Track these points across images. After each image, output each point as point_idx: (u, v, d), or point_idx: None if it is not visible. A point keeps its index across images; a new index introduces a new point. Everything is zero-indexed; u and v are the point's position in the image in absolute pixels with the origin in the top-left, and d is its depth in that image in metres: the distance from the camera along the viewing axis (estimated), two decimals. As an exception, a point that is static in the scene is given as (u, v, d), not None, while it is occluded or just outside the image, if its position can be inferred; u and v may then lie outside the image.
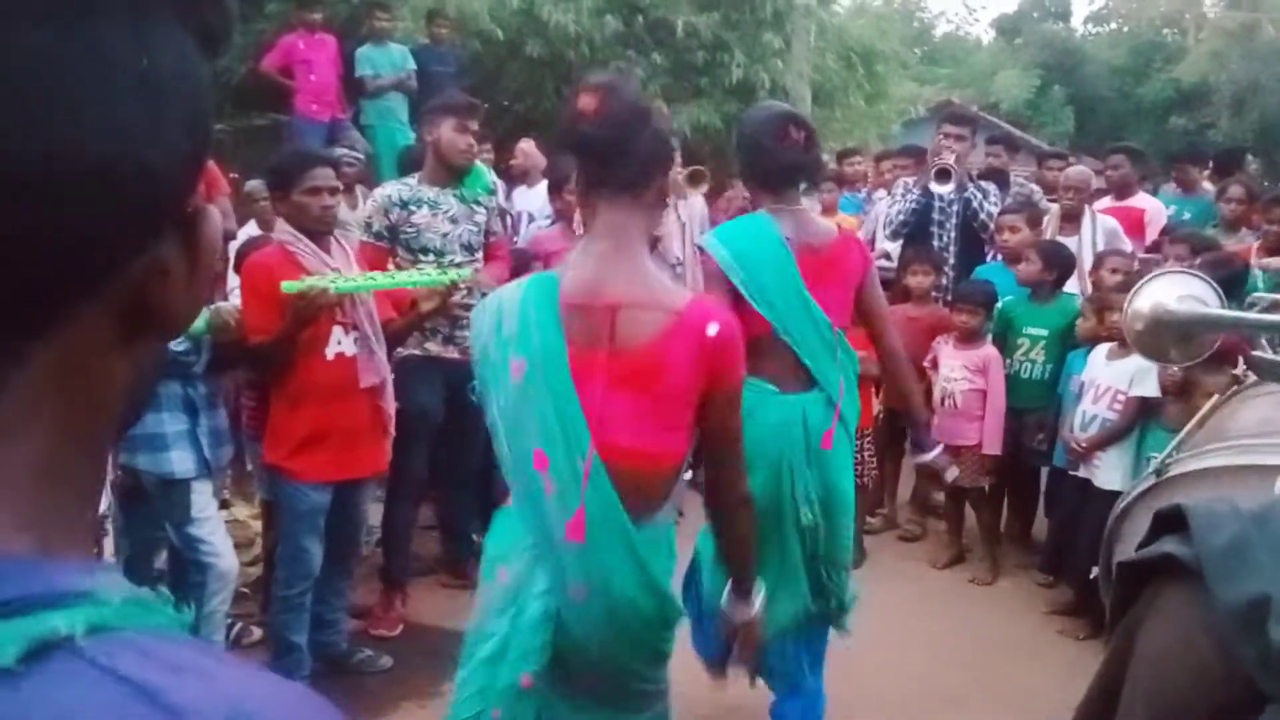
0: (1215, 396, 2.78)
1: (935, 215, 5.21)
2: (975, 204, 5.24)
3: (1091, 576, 2.86)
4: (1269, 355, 2.43)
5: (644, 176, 1.81)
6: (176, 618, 0.45)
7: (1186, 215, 6.09)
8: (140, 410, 0.54)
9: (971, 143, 5.41)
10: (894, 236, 5.43)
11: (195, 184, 0.47)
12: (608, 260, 1.81)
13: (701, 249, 2.67)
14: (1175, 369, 2.91)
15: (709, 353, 1.77)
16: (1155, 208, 5.94)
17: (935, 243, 5.19)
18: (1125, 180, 5.98)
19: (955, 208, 5.24)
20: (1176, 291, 2.40)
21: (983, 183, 5.49)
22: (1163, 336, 2.42)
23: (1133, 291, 2.47)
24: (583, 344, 1.77)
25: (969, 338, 4.47)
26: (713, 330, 1.78)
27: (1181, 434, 2.79)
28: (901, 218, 5.24)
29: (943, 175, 5.14)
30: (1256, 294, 2.99)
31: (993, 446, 4.38)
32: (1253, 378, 2.72)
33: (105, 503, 3.12)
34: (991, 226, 5.24)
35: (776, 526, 2.56)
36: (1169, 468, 2.65)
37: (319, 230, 3.14)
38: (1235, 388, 2.72)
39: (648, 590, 1.82)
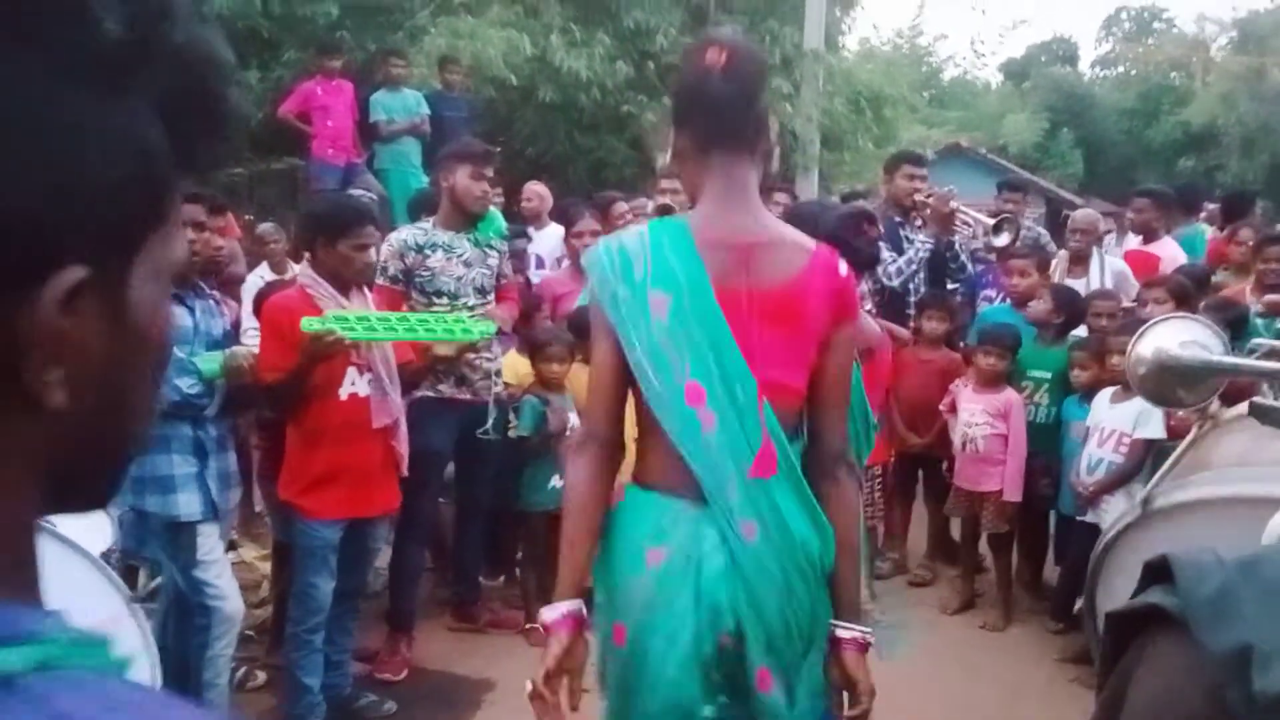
0: (1193, 430, 2.79)
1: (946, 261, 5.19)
2: (957, 245, 5.21)
3: (1075, 610, 2.85)
4: (1273, 402, 2.44)
5: (761, 131, 1.86)
6: (119, 660, 0.46)
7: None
8: (89, 481, 0.52)
9: (927, 180, 5.40)
10: (902, 287, 5.35)
11: (106, 230, 0.45)
12: (737, 206, 1.82)
13: None
14: (1181, 413, 2.92)
15: (840, 291, 1.81)
16: (1171, 254, 5.89)
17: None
18: (1149, 224, 5.90)
19: (928, 248, 5.17)
20: (1180, 337, 2.41)
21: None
22: (1166, 382, 2.43)
23: (1135, 336, 2.48)
24: (724, 281, 1.75)
25: (991, 381, 4.41)
26: (844, 269, 1.83)
27: (1164, 468, 2.80)
28: (914, 267, 5.09)
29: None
30: (1257, 340, 3.00)
31: (1013, 493, 4.34)
32: (1228, 413, 2.73)
33: (111, 539, 3.14)
34: (969, 266, 5.26)
35: None
36: (1154, 499, 2.66)
37: (352, 283, 3.20)
38: (1210, 421, 2.73)
39: (818, 528, 1.77)
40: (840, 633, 1.84)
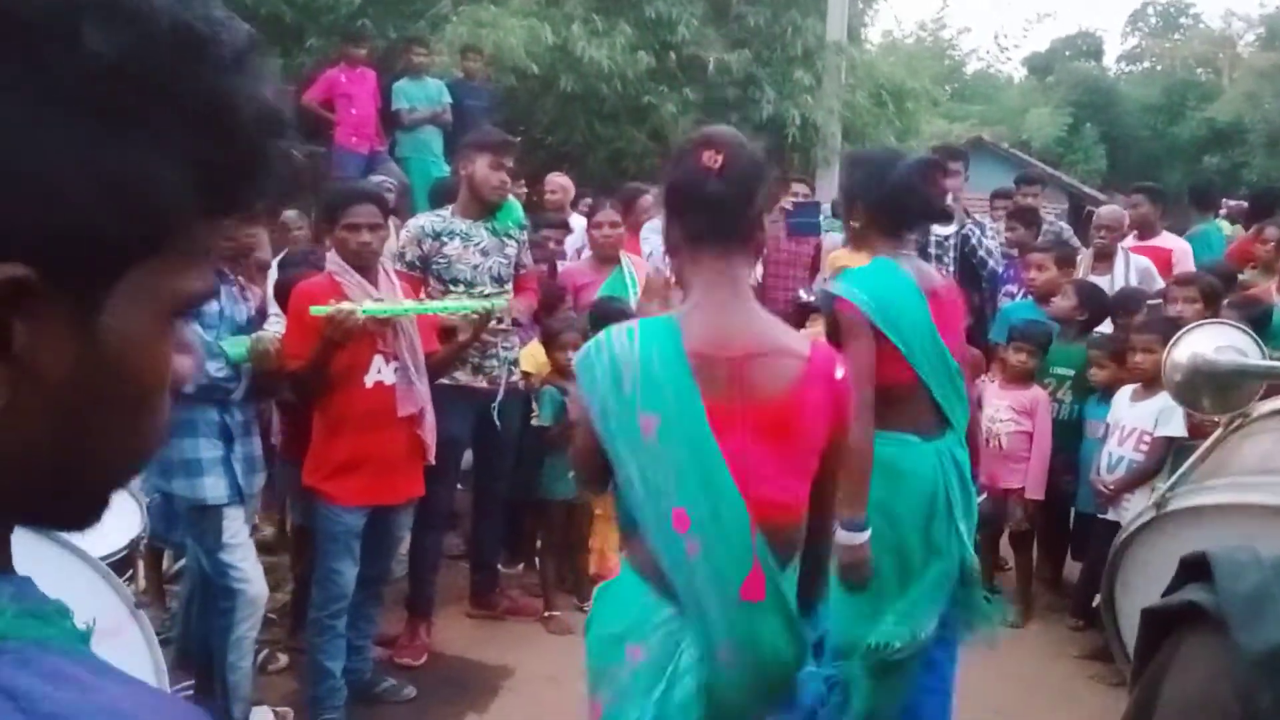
0: (1219, 430, 2.77)
1: (933, 251, 5.18)
2: (974, 240, 5.22)
3: (1094, 605, 2.85)
4: None
5: (756, 228, 1.83)
6: (75, 632, 0.46)
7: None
8: (63, 500, 0.52)
9: (964, 177, 5.37)
10: None
11: (67, 250, 0.45)
12: (730, 309, 1.79)
13: (838, 296, 2.55)
14: (1217, 418, 2.91)
15: (838, 397, 1.79)
16: (1182, 249, 5.89)
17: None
18: (1146, 220, 5.92)
19: (952, 242, 5.21)
20: (1215, 342, 2.40)
21: (978, 217, 5.47)
22: (1202, 387, 2.42)
23: (1171, 342, 2.47)
24: (716, 397, 1.71)
25: (1020, 378, 4.38)
26: (840, 373, 1.80)
27: (1184, 467, 2.79)
28: None
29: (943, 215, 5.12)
30: None
31: (1036, 491, 4.31)
32: (1257, 410, 2.72)
33: (140, 526, 3.18)
34: (990, 262, 5.23)
35: (922, 562, 2.56)
36: (1168, 501, 2.65)
37: (357, 265, 3.21)
38: (1239, 421, 2.71)
39: (794, 639, 1.79)
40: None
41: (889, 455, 2.49)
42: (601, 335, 1.83)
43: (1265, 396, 2.66)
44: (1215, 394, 2.45)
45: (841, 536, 2.41)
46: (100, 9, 0.44)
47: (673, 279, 1.96)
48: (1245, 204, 7.47)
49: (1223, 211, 7.27)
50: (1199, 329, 2.51)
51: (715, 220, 1.79)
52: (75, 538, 2.93)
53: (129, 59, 0.45)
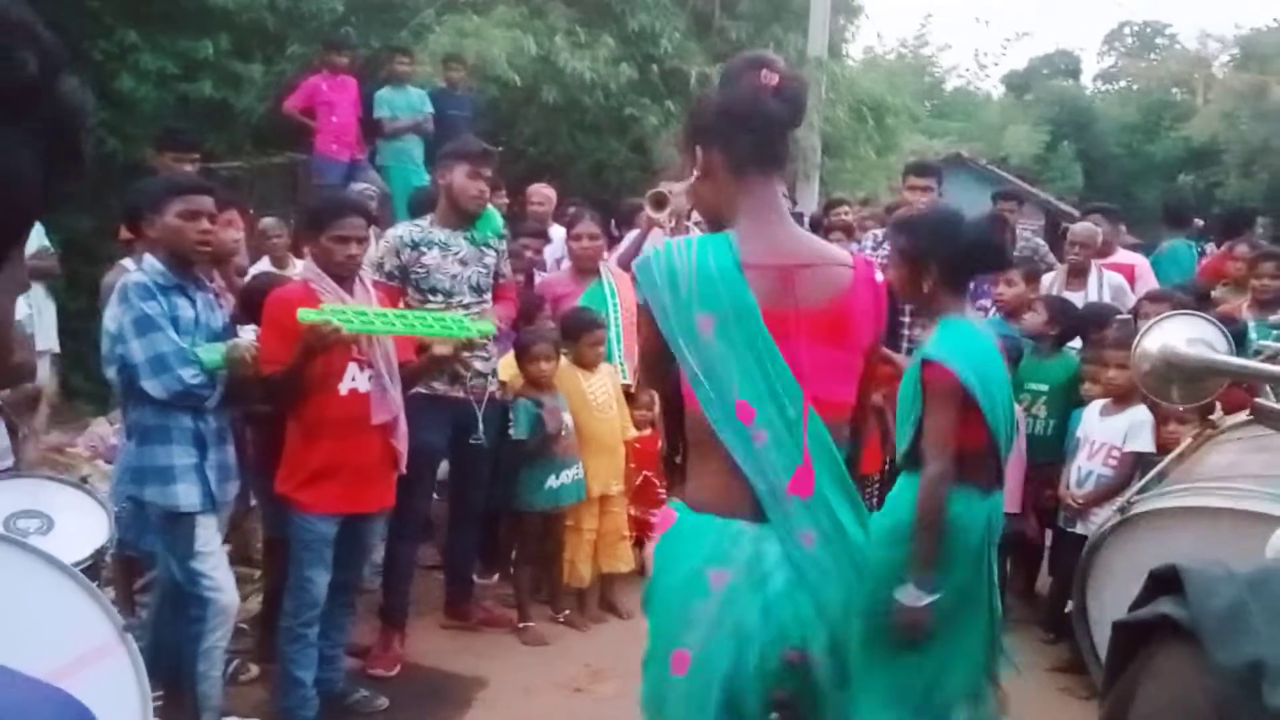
0: (1188, 439, 2.81)
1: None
2: None
3: (1066, 610, 2.88)
4: (1274, 404, 2.45)
5: (789, 153, 1.90)
6: None
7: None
8: None
9: (938, 193, 5.40)
10: None
11: None
12: (779, 227, 1.86)
13: (932, 361, 2.55)
14: (1180, 409, 2.94)
15: (880, 300, 1.88)
16: (1143, 266, 5.99)
17: None
18: (1104, 239, 6.00)
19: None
20: (1186, 334, 2.43)
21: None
22: (1169, 378, 2.45)
23: (1143, 331, 2.50)
24: (772, 304, 1.78)
25: None
26: (880, 276, 1.89)
27: (1151, 473, 2.82)
28: None
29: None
30: (1262, 343, 3.02)
31: (1011, 504, 4.33)
32: (1226, 421, 2.75)
33: (107, 534, 3.13)
34: None
35: (972, 613, 2.58)
36: (1132, 507, 2.68)
37: (339, 276, 3.21)
38: (1210, 431, 2.75)
39: (863, 526, 1.84)
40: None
41: (958, 507, 2.52)
42: (660, 246, 1.89)
43: (1231, 406, 2.69)
44: (1182, 386, 2.49)
45: (906, 594, 2.42)
46: (24, 33, 0.50)
47: (691, 207, 1.98)
48: (1201, 222, 7.57)
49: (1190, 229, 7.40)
50: (1170, 320, 2.54)
51: (767, 141, 1.84)
52: (69, 528, 2.91)
53: (43, 72, 0.51)
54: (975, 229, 2.61)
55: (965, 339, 2.58)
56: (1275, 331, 3.07)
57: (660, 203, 5.03)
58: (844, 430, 1.86)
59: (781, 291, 1.79)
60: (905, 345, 5.00)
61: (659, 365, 1.88)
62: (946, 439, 2.48)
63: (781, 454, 1.74)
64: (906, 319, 5.02)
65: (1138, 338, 2.54)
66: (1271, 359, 2.67)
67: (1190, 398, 2.64)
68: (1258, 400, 2.51)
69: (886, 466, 4.78)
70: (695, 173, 1.90)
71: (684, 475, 1.90)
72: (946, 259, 2.58)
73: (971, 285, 5.50)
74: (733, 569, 1.75)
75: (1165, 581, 0.86)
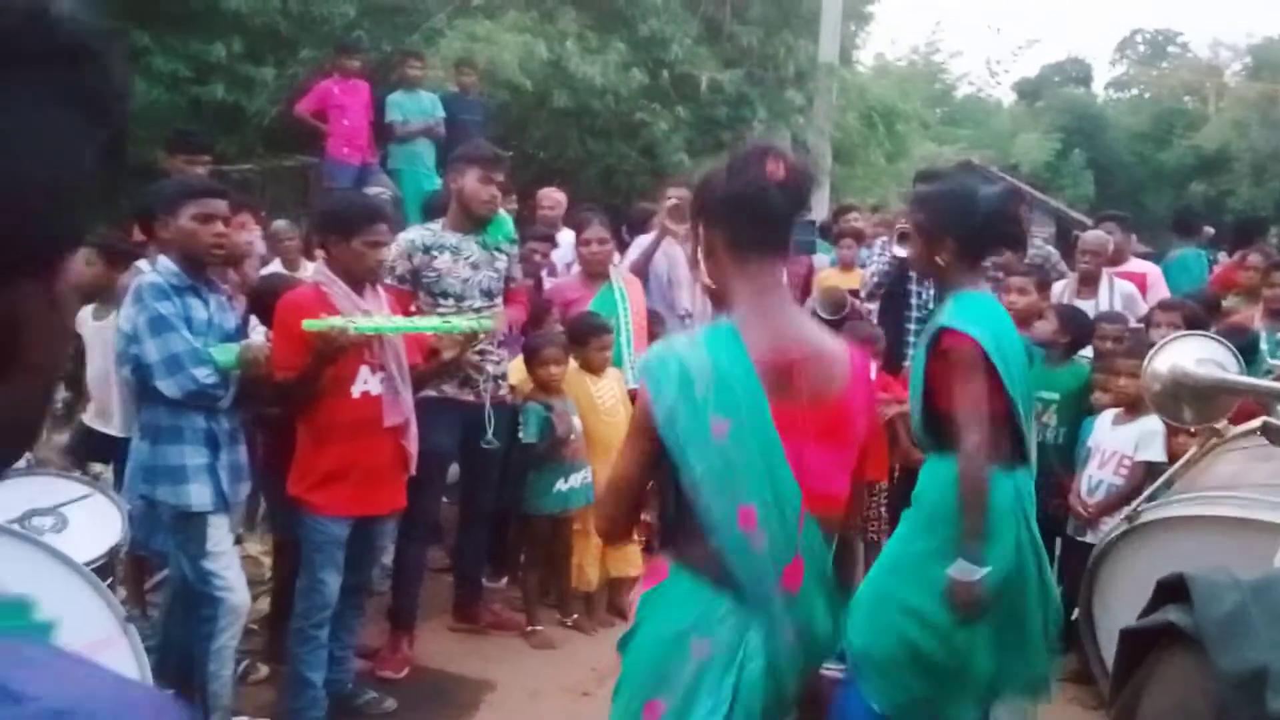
0: (1193, 450, 2.82)
1: (912, 273, 5.21)
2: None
3: (1072, 618, 2.87)
4: None
5: (791, 240, 1.93)
6: (36, 623, 0.48)
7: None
8: (15, 449, 0.56)
9: None
10: (869, 297, 5.43)
11: (62, 240, 0.51)
12: (781, 314, 1.89)
13: (952, 329, 2.53)
14: (1191, 430, 2.94)
15: (872, 396, 1.93)
16: (1155, 274, 5.97)
17: (914, 300, 5.16)
18: (1116, 247, 5.98)
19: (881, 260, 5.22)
20: (1196, 354, 2.44)
21: None
22: (1180, 398, 2.46)
23: (1152, 352, 2.50)
24: (780, 400, 1.79)
25: None
26: (873, 371, 1.91)
27: (1157, 483, 2.82)
28: (875, 279, 5.24)
29: (904, 238, 5.13)
30: (1274, 361, 3.02)
31: None
32: (1231, 430, 2.75)
33: (121, 533, 3.16)
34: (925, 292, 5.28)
35: (1020, 601, 2.56)
36: (1140, 515, 2.69)
37: (364, 280, 3.22)
38: (1214, 440, 2.75)
39: (836, 623, 1.95)
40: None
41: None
42: (663, 344, 1.92)
43: (1240, 416, 2.69)
44: (1193, 405, 2.50)
45: (959, 569, 2.44)
46: (109, 42, 0.52)
47: (706, 283, 1.97)
48: (1212, 231, 7.54)
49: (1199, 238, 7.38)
50: (1180, 340, 2.55)
51: (771, 229, 1.88)
52: (82, 527, 2.94)
53: (125, 83, 0.52)
54: (991, 203, 2.59)
55: (982, 308, 2.58)
56: None
57: (679, 214, 5.04)
58: (836, 520, 1.91)
59: (787, 386, 1.81)
60: (914, 314, 5.03)
61: (641, 487, 1.91)
62: (979, 405, 2.45)
63: (776, 553, 1.80)
64: (914, 286, 5.05)
65: (1147, 359, 2.54)
66: None
67: (1203, 417, 2.64)
68: (1268, 420, 2.50)
69: (895, 474, 4.80)
70: (699, 249, 1.94)
71: (674, 531, 1.92)
72: (962, 233, 2.57)
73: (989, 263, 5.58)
74: (713, 643, 1.81)
75: (1172, 590, 0.87)
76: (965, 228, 2.56)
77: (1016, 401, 2.53)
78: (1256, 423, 2.59)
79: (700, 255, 1.94)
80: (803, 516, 1.81)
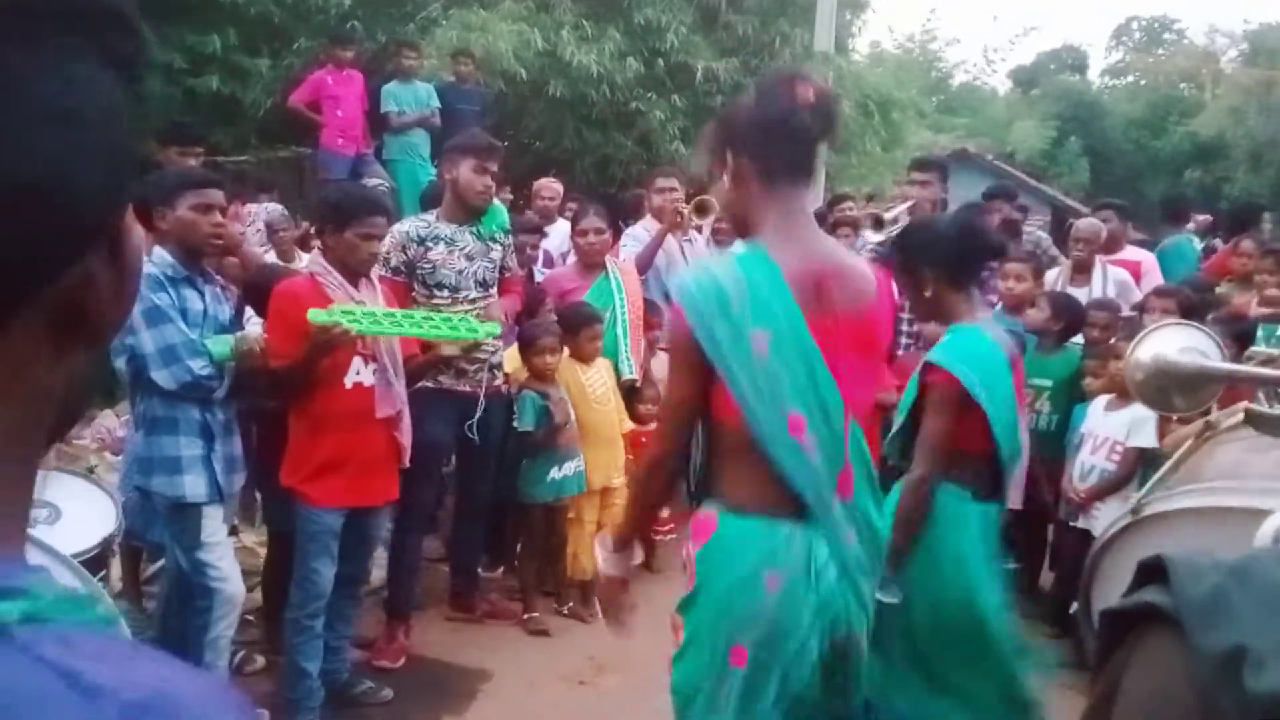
0: (1191, 440, 2.83)
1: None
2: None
3: (1071, 611, 2.88)
4: (1268, 409, 2.46)
5: (817, 164, 1.98)
6: (105, 615, 0.49)
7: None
8: (75, 416, 0.56)
9: (942, 188, 5.35)
10: None
11: (120, 204, 0.51)
12: (808, 235, 1.94)
13: (935, 365, 2.54)
14: (1175, 418, 2.96)
15: (894, 306, 2.00)
16: (1150, 262, 5.97)
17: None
18: (1113, 235, 5.99)
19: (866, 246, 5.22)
20: (1179, 343, 2.45)
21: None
22: (1163, 387, 2.47)
23: (1135, 341, 2.51)
24: (813, 312, 1.85)
25: None
26: (895, 286, 1.99)
27: (1158, 474, 2.83)
28: None
29: (877, 224, 5.13)
30: (1254, 348, 3.03)
31: (1013, 500, 4.34)
32: (1226, 421, 2.76)
33: (115, 523, 3.16)
34: None
35: (980, 632, 2.52)
36: (1144, 507, 2.70)
37: (359, 272, 3.23)
38: (1209, 431, 2.76)
39: (885, 517, 2.02)
40: None
41: (949, 507, 2.54)
42: (697, 268, 1.95)
43: (1226, 401, 2.70)
44: (1180, 394, 2.51)
45: (888, 595, 2.43)
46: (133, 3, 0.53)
47: (724, 211, 2.02)
48: (1210, 218, 7.52)
49: (1190, 226, 7.36)
50: (1163, 330, 2.56)
51: (800, 152, 1.91)
52: (78, 516, 2.95)
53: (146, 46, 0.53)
54: (954, 225, 2.65)
55: (974, 345, 2.57)
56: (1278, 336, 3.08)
57: (704, 209, 5.06)
58: (871, 430, 1.98)
59: (819, 299, 1.86)
60: (904, 342, 5.01)
61: (691, 417, 1.92)
62: (938, 443, 2.49)
63: (828, 461, 1.84)
64: (905, 315, 5.04)
65: (1129, 349, 2.56)
66: (1265, 363, 2.69)
67: (1191, 405, 2.65)
68: (1250, 406, 2.52)
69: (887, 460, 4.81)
70: (725, 178, 1.96)
71: (714, 480, 1.94)
72: (936, 262, 2.59)
73: (986, 275, 5.58)
74: (786, 570, 1.84)
75: (1153, 571, 0.88)
76: (936, 256, 2.59)
77: (1001, 439, 2.53)
78: (1240, 408, 2.60)
79: (725, 186, 1.97)
80: (848, 423, 1.87)
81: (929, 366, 2.55)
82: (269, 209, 6.09)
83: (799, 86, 1.86)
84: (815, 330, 1.84)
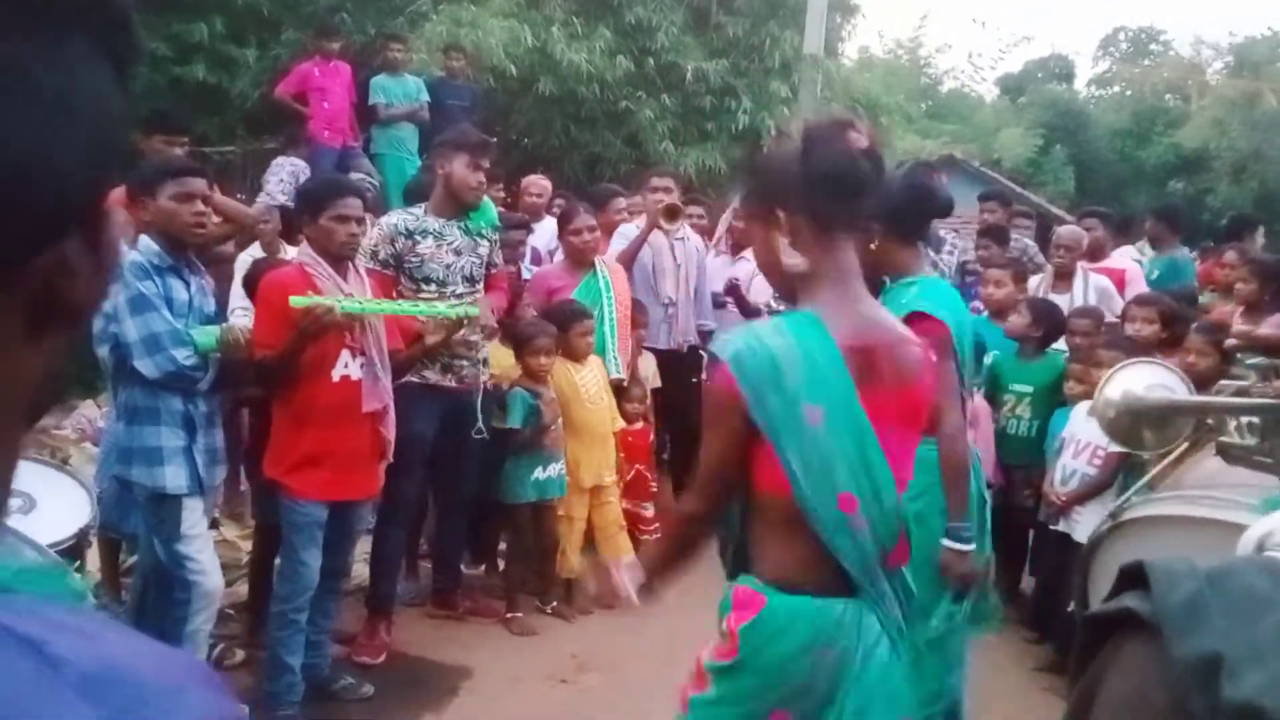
0: (1183, 446, 2.87)
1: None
2: (932, 257, 5.28)
3: (1070, 610, 2.92)
4: (1237, 440, 2.50)
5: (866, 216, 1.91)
6: (72, 588, 0.49)
7: (1155, 274, 6.17)
8: (50, 401, 0.57)
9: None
10: None
11: (103, 190, 0.51)
12: (861, 300, 1.86)
13: (926, 314, 2.54)
14: (1149, 454, 3.01)
15: (936, 379, 1.97)
16: (1134, 270, 6.01)
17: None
18: (1098, 243, 6.03)
19: None
20: (1145, 380, 2.52)
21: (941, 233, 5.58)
22: (1135, 423, 2.53)
23: (1103, 381, 2.58)
24: (866, 387, 1.78)
25: None
26: (933, 356, 1.95)
27: (1141, 481, 2.88)
28: None
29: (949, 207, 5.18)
30: (1223, 381, 3.06)
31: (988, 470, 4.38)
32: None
33: (90, 514, 3.14)
34: (949, 273, 5.33)
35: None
36: (1123, 512, 2.74)
37: (340, 256, 3.22)
38: (1196, 438, 2.81)
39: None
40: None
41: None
42: (747, 332, 1.84)
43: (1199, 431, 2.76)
44: (1151, 430, 2.57)
45: (950, 543, 2.52)
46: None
47: (793, 268, 1.83)
48: (1155, 227, 7.32)
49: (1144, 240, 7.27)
50: (1128, 369, 2.64)
51: (858, 203, 1.82)
52: (51, 507, 2.92)
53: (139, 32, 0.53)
54: (906, 176, 2.70)
55: (944, 294, 2.67)
56: (1252, 363, 3.10)
57: (674, 214, 5.08)
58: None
59: (870, 373, 1.79)
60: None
61: (727, 476, 1.84)
62: (955, 390, 2.54)
63: (879, 539, 1.80)
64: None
65: (1099, 388, 2.63)
66: (1236, 394, 2.74)
67: (1163, 441, 2.71)
68: (1221, 439, 2.55)
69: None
70: (773, 237, 1.84)
71: (756, 552, 1.87)
72: (887, 210, 2.53)
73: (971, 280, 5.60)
74: (838, 647, 1.80)
75: (1133, 577, 0.89)
76: (887, 207, 2.52)
77: (967, 385, 2.66)
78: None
79: (772, 245, 1.85)
80: (900, 499, 1.84)
81: (918, 317, 2.52)
82: (294, 163, 6.16)
83: (851, 134, 1.76)
84: (867, 406, 1.77)
